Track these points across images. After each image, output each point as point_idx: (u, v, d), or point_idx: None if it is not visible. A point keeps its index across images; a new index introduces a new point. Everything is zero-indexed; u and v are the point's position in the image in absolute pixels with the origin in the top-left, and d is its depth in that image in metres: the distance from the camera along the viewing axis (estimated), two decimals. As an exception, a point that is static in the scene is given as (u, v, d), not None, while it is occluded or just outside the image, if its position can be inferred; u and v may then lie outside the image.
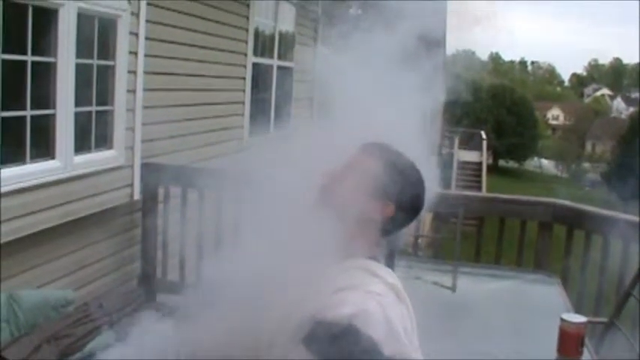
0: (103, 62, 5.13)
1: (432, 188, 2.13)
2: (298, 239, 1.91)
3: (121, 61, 5.29)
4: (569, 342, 3.01)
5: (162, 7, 6.00)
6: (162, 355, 2.11)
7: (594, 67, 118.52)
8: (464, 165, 30.97)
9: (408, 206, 1.92)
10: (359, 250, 1.87)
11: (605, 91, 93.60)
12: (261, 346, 1.89)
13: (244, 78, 8.39)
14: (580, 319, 3.09)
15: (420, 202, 1.96)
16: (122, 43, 5.27)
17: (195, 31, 6.81)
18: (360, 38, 2.19)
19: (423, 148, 2.15)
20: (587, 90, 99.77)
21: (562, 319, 3.04)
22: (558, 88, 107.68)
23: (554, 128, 73.89)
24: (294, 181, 2.03)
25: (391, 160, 1.90)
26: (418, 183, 1.94)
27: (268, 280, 1.93)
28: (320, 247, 1.87)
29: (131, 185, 5.62)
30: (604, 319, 4.26)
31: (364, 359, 1.65)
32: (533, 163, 57.30)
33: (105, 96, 5.22)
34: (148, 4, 5.60)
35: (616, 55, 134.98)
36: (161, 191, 5.78)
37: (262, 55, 9.08)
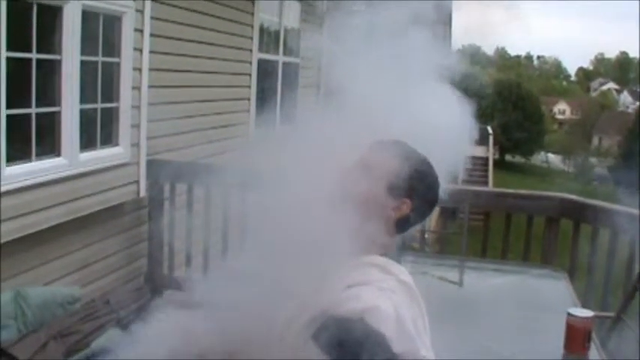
0: (108, 59, 5.13)
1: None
2: (310, 235, 1.91)
3: (126, 58, 5.29)
4: (576, 337, 3.00)
5: (167, 4, 6.00)
6: (170, 351, 2.11)
7: (600, 61, 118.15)
8: (470, 160, 30.86)
9: (424, 202, 1.92)
10: (373, 247, 1.87)
11: (612, 85, 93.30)
12: (271, 341, 1.90)
13: (250, 74, 8.38)
14: (587, 313, 3.08)
15: (435, 197, 1.96)
16: (127, 40, 5.27)
17: (200, 27, 6.80)
18: (364, 32, 2.18)
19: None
20: (594, 84, 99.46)
21: (569, 314, 3.04)
22: (564, 83, 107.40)
23: (560, 123, 73.61)
24: (303, 176, 2.02)
25: (405, 157, 1.89)
26: (432, 178, 1.93)
27: (279, 276, 1.93)
28: (333, 244, 1.87)
29: (137, 182, 5.62)
30: (611, 314, 4.26)
31: (374, 355, 1.64)
32: (540, 158, 57.12)
33: (110, 93, 5.23)
34: (153, 0, 5.60)
35: (622, 49, 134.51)
36: (167, 188, 5.78)
37: (268, 51, 9.08)
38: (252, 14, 8.26)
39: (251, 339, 1.93)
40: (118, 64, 5.25)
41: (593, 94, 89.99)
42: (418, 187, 1.88)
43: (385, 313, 1.68)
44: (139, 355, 2.14)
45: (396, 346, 1.67)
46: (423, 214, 1.96)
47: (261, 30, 8.72)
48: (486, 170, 30.84)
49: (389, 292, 1.74)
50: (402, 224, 1.91)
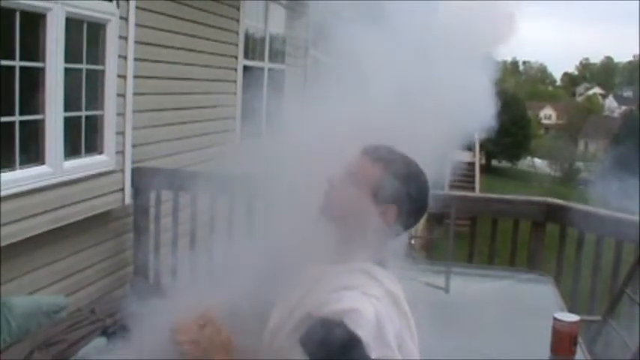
0: (92, 67, 5.11)
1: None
2: (297, 241, 1.91)
3: (111, 65, 5.27)
4: (563, 341, 3.00)
5: (151, 11, 5.98)
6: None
7: (586, 66, 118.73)
8: (458, 165, 30.83)
9: (412, 207, 1.90)
10: (362, 254, 1.87)
11: (597, 89, 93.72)
12: (260, 346, 1.90)
13: (235, 81, 8.37)
14: (573, 317, 3.09)
15: (425, 202, 1.94)
16: (111, 47, 5.25)
17: (185, 34, 6.78)
18: (350, 39, 2.18)
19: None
20: (579, 89, 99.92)
21: (555, 318, 3.04)
22: (550, 88, 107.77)
23: (546, 127, 73.88)
24: (290, 182, 2.02)
25: (392, 163, 1.88)
26: (420, 183, 1.92)
27: (266, 282, 1.93)
28: (320, 250, 1.87)
29: (122, 190, 5.59)
30: (597, 318, 4.27)
31: (348, 357, 1.65)
32: (526, 163, 57.35)
33: (95, 100, 5.20)
34: (138, 7, 5.58)
35: (607, 54, 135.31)
36: (152, 195, 5.76)
37: (253, 57, 9.07)
38: (238, 21, 8.25)
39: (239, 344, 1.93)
40: (103, 72, 5.23)
41: (579, 99, 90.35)
42: (405, 192, 1.86)
43: (365, 318, 1.68)
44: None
45: (372, 352, 1.66)
46: (412, 219, 1.94)
47: (247, 36, 8.71)
48: (473, 175, 30.89)
49: (372, 298, 1.74)
50: (390, 230, 1.90)
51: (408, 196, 1.87)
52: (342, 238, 1.89)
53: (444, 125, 2.11)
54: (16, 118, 4.31)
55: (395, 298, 1.81)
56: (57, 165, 4.67)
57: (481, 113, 2.18)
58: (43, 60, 4.49)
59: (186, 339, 1.86)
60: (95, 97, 5.21)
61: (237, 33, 8.27)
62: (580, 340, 3.13)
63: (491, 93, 2.24)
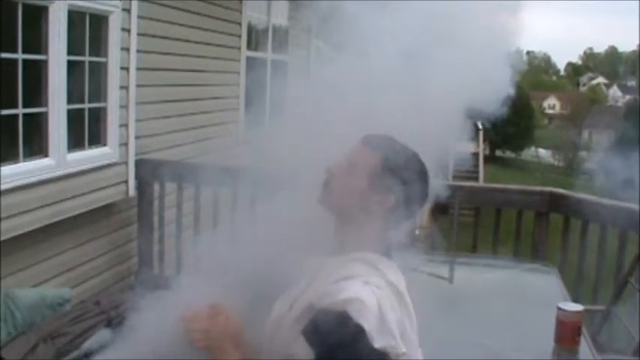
0: (95, 59, 5.11)
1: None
2: (299, 232, 1.91)
3: (114, 57, 5.27)
4: (567, 331, 3.01)
5: (153, 3, 5.97)
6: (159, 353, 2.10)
7: (590, 56, 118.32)
8: (463, 156, 30.79)
9: (411, 197, 1.89)
10: (363, 243, 1.87)
11: (601, 79, 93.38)
12: (261, 339, 1.90)
13: (238, 72, 8.36)
14: (577, 307, 3.08)
15: (424, 192, 1.93)
16: (114, 39, 5.25)
17: (187, 26, 6.78)
18: (353, 32, 2.17)
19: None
20: (583, 79, 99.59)
21: (559, 308, 3.04)
22: (554, 78, 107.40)
23: (550, 117, 73.66)
24: (293, 173, 2.02)
25: (391, 152, 1.88)
26: (420, 173, 1.91)
27: (269, 274, 1.93)
28: (321, 240, 1.87)
29: (126, 182, 5.60)
30: (601, 307, 4.27)
31: (352, 347, 1.65)
32: (530, 153, 57.23)
33: (97, 93, 5.21)
34: (140, -1, 5.58)
35: (611, 43, 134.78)
36: (156, 187, 5.77)
37: (256, 48, 9.06)
38: (240, 12, 8.24)
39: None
40: (106, 64, 5.23)
41: (583, 89, 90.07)
42: (404, 181, 1.86)
43: (367, 307, 1.68)
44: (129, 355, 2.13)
45: (375, 341, 1.66)
46: (411, 209, 1.93)
47: (250, 28, 8.70)
48: (477, 166, 30.84)
49: (374, 287, 1.74)
50: (389, 219, 1.90)
51: (407, 186, 1.87)
52: (342, 228, 1.90)
53: (451, 110, 2.11)
54: (20, 110, 4.31)
55: (396, 289, 1.81)
56: (60, 157, 4.67)
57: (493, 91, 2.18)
58: (46, 53, 4.49)
59: (197, 327, 1.87)
60: (98, 90, 5.22)
61: (240, 24, 8.26)
62: (584, 329, 3.13)
63: (504, 74, 2.24)
